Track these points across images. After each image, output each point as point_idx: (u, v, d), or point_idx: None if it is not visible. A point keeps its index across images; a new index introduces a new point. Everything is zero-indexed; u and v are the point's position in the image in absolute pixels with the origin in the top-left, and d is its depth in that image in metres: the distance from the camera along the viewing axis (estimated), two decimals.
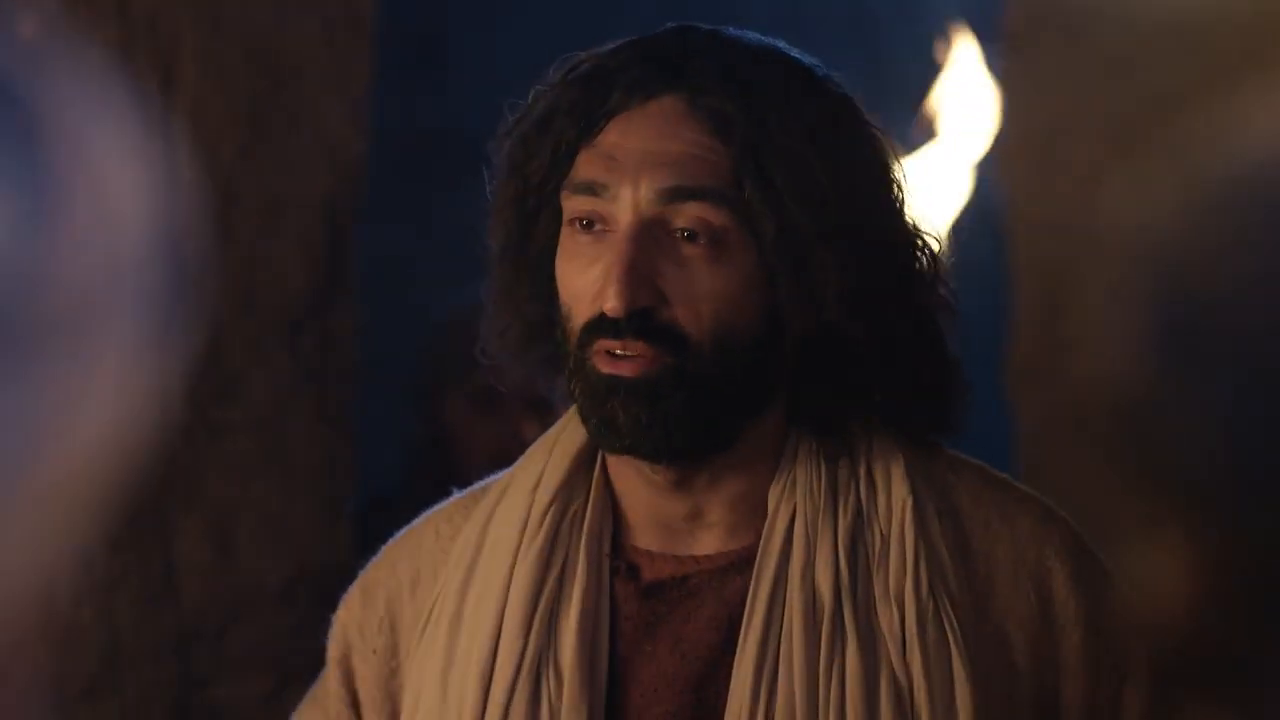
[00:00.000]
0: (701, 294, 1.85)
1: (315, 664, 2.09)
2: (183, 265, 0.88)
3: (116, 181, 0.86)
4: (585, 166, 1.89)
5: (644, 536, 1.95)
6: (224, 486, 3.27)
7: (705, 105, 1.87)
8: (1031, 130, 3.72)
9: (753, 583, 1.90)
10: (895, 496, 1.93)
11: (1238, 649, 0.97)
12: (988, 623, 1.92)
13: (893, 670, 1.88)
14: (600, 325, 1.85)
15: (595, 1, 4.42)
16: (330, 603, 2.08)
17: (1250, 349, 0.96)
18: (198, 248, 0.91)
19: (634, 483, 1.94)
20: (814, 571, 1.90)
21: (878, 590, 1.90)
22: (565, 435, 1.98)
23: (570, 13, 4.65)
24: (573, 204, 1.89)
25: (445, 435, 3.69)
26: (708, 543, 1.94)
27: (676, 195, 1.85)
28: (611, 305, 1.84)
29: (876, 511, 1.93)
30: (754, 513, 1.93)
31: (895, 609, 1.89)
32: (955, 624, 1.89)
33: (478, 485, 2.05)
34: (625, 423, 1.86)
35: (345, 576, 2.11)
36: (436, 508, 2.06)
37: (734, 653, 1.89)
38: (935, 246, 1.94)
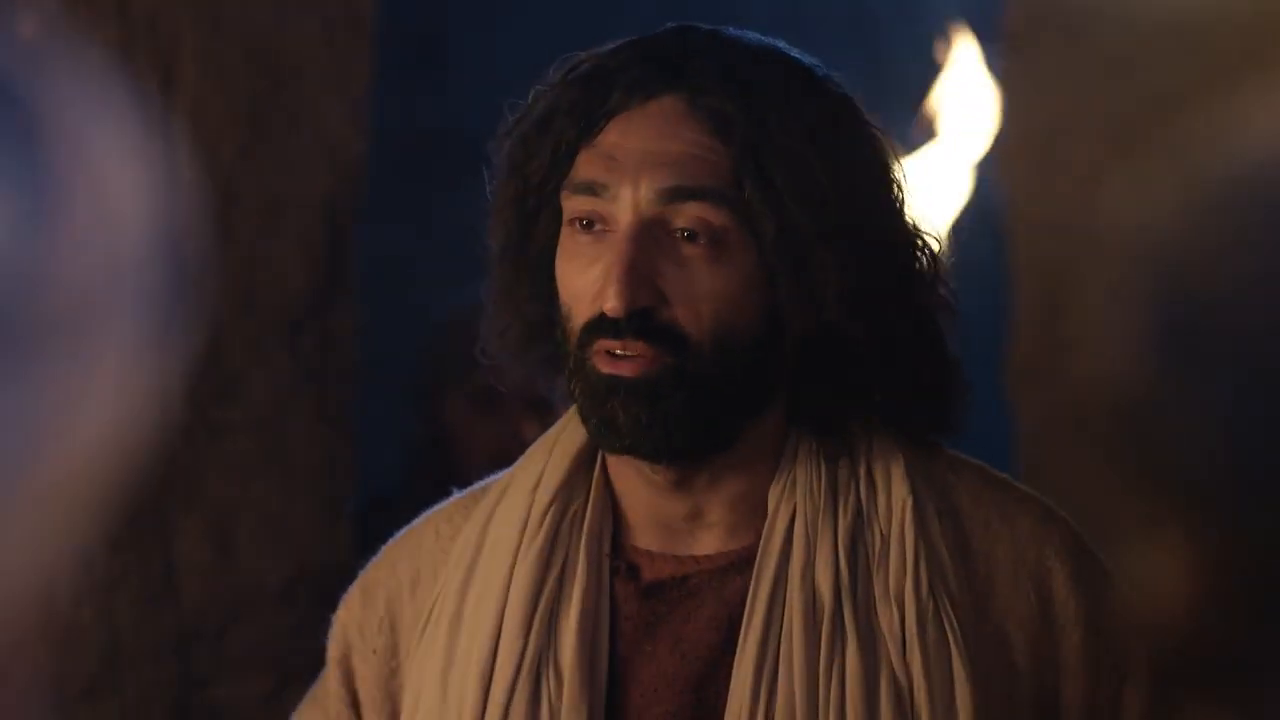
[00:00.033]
0: (701, 294, 1.85)
1: (315, 664, 2.09)
2: (183, 265, 0.88)
3: (116, 181, 0.86)
4: (585, 166, 1.89)
5: (644, 536, 1.95)
6: (224, 486, 3.27)
7: (705, 105, 1.87)
8: (1031, 130, 3.71)
9: (753, 583, 1.90)
10: (895, 496, 1.93)
11: (1238, 649, 0.97)
12: (988, 623, 1.92)
13: (893, 670, 1.88)
14: (600, 325, 1.85)
15: (595, 1, 4.42)
16: (330, 603, 2.08)
17: (1250, 349, 0.96)
18: (198, 248, 0.91)
19: (634, 483, 1.94)
20: (814, 571, 1.90)
21: (878, 590, 1.90)
22: (565, 435, 1.98)
23: (570, 13, 4.65)
24: (573, 204, 1.89)
25: (445, 435, 3.69)
26: (708, 543, 1.94)
27: (676, 195, 1.85)
28: (611, 305, 1.84)
29: (877, 511, 1.92)
30: (754, 513, 1.93)
31: (895, 609, 1.89)
32: (955, 624, 1.89)
33: (478, 485, 2.05)
34: (625, 423, 1.86)
35: (345, 576, 2.11)
36: (436, 508, 2.06)
37: (734, 653, 1.89)
38: (935, 246, 1.94)
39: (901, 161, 1.95)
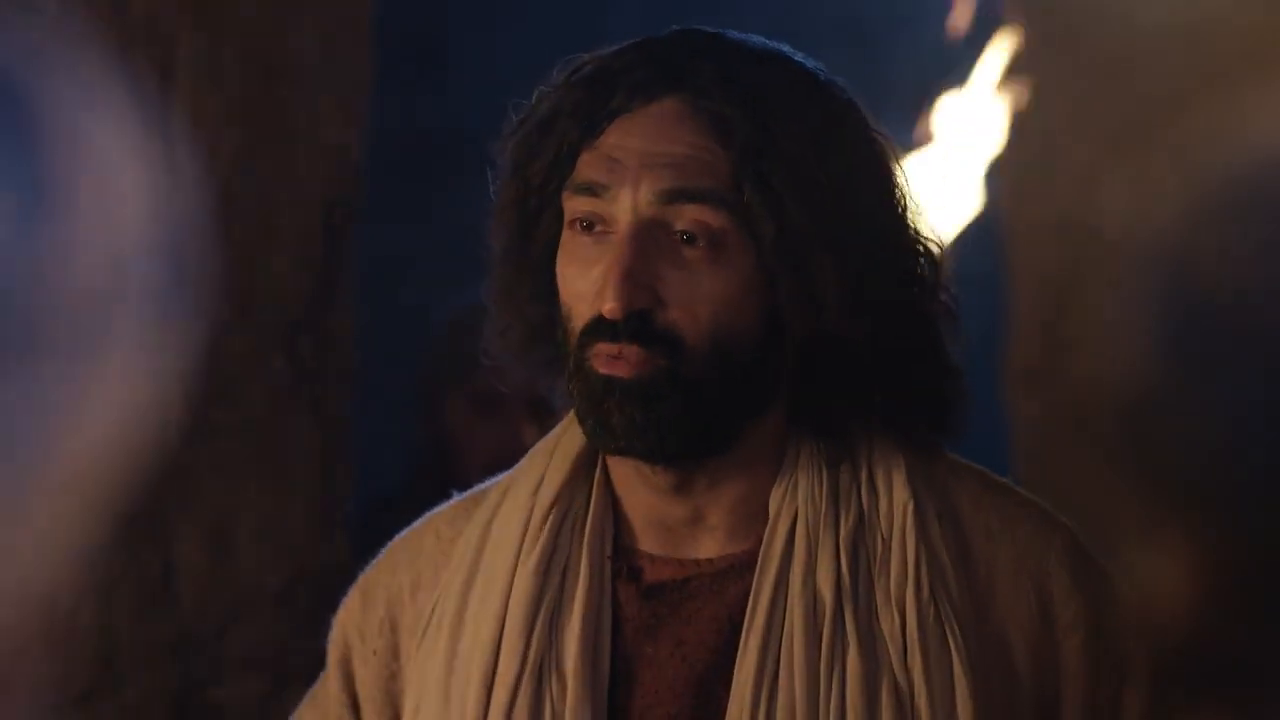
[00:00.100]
0: (700, 296, 1.85)
1: (314, 666, 2.09)
2: (181, 266, 0.88)
3: (115, 182, 0.86)
4: (586, 167, 1.89)
5: (645, 539, 1.95)
6: (222, 488, 3.27)
7: (706, 108, 1.87)
8: (1031, 132, 3.72)
9: (754, 586, 1.90)
10: (897, 500, 1.92)
11: (1238, 649, 0.97)
12: (988, 626, 1.92)
13: (894, 675, 1.88)
14: (599, 327, 1.85)
15: (594, 2, 4.42)
16: (329, 604, 2.08)
17: (1250, 349, 0.96)
18: (196, 248, 0.91)
19: (635, 485, 1.94)
20: (815, 575, 1.90)
21: (879, 594, 1.90)
22: (566, 438, 1.98)
23: (570, 13, 4.65)
24: (573, 204, 1.89)
25: (445, 437, 3.69)
26: (709, 546, 1.94)
27: (676, 197, 1.85)
28: (610, 307, 1.83)
29: (878, 515, 1.92)
30: (755, 516, 1.93)
31: (896, 613, 1.89)
32: (956, 628, 1.89)
33: (478, 487, 2.05)
34: (620, 423, 1.86)
35: (343, 578, 2.11)
36: (437, 510, 2.06)
37: (735, 656, 1.89)
38: (937, 252, 1.94)
39: (904, 167, 1.95)
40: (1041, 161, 3.70)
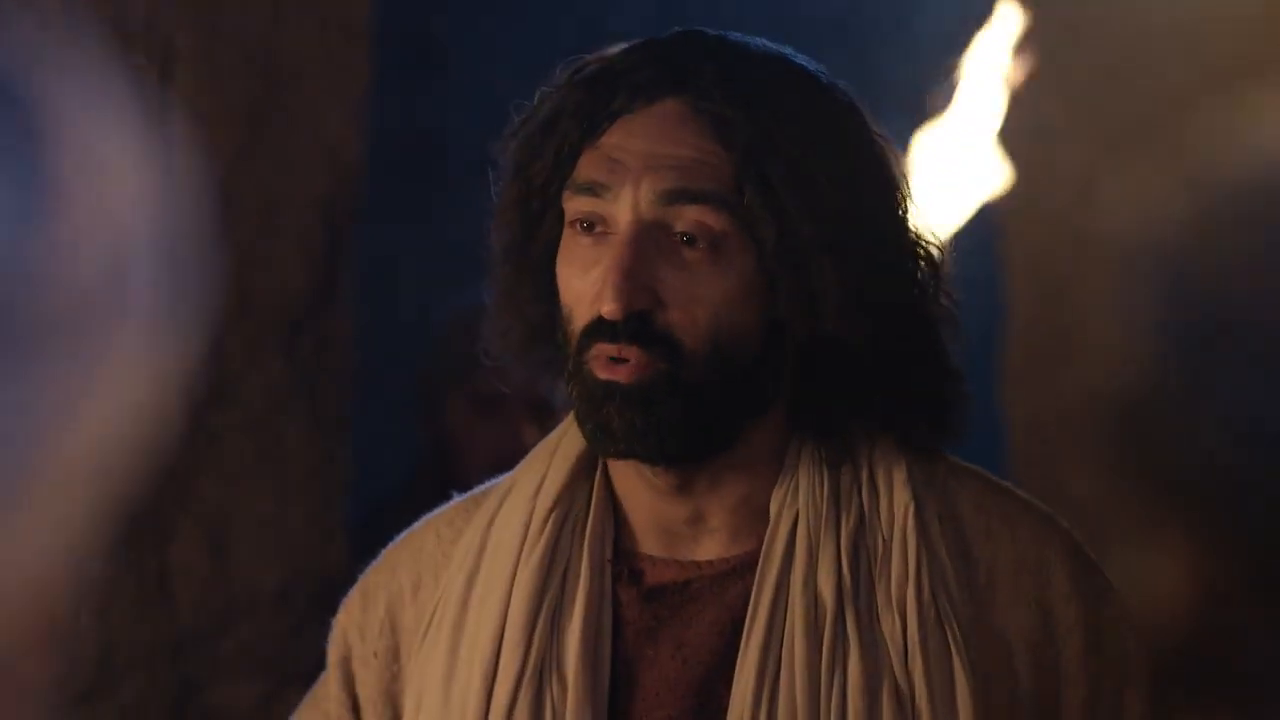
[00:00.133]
0: (699, 298, 1.85)
1: (312, 667, 2.09)
2: (180, 266, 0.88)
3: (115, 182, 0.86)
4: (587, 167, 1.89)
5: (646, 541, 1.95)
6: (220, 490, 3.27)
7: (708, 110, 1.87)
8: (1030, 132, 3.72)
9: (755, 588, 1.90)
10: (897, 502, 1.92)
11: (1238, 649, 0.97)
12: (989, 629, 1.92)
13: (894, 677, 1.88)
14: (598, 329, 1.85)
15: (595, 2, 4.42)
16: (327, 606, 2.08)
17: (1249, 350, 0.96)
18: (195, 249, 0.91)
19: (635, 487, 1.94)
20: (816, 577, 1.90)
21: (880, 597, 1.90)
22: (567, 439, 1.98)
23: (569, 13, 4.65)
24: (574, 205, 1.89)
25: (445, 437, 3.69)
26: (710, 548, 1.94)
27: (676, 198, 1.85)
28: (609, 308, 1.83)
29: (879, 517, 1.92)
30: (756, 518, 1.93)
31: (897, 615, 1.89)
32: (957, 630, 1.89)
33: (478, 489, 2.05)
34: (619, 428, 1.86)
35: (342, 580, 2.11)
36: (437, 511, 2.06)
37: (736, 658, 1.89)
38: (937, 254, 1.94)
39: (904, 168, 1.95)
40: (1041, 162, 3.70)
